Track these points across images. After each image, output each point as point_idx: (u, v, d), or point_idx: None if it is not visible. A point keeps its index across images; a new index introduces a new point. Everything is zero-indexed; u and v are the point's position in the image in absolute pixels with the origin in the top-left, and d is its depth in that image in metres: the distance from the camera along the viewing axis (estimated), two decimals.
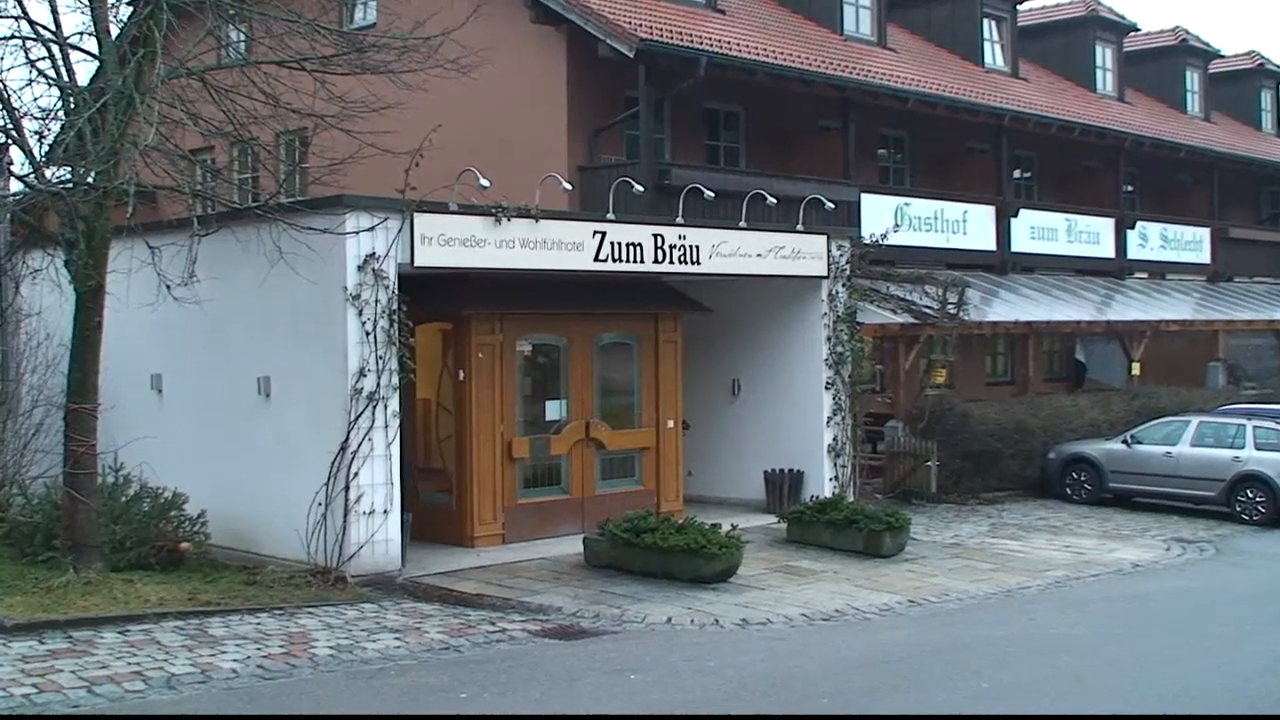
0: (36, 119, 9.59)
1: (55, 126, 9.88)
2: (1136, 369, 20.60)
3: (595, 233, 11.92)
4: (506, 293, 12.05)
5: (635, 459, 13.46)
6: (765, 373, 14.64)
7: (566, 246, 11.67)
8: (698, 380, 14.72)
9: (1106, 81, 24.63)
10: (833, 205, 14.85)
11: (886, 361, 17.84)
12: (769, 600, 10.04)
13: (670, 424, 13.62)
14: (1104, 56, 24.65)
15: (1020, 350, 20.66)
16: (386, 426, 10.48)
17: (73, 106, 9.56)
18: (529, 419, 12.63)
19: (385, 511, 10.48)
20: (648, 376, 13.51)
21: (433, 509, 12.15)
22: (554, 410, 12.81)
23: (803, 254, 13.89)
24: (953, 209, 19.22)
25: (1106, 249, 22.22)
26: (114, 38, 9.82)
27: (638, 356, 13.53)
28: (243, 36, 11.61)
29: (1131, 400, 18.72)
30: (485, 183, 10.83)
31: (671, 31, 15.18)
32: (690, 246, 12.72)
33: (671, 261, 12.55)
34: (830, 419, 14.20)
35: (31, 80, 9.55)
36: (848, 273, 14.47)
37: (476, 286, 11.85)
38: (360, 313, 10.34)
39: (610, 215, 12.29)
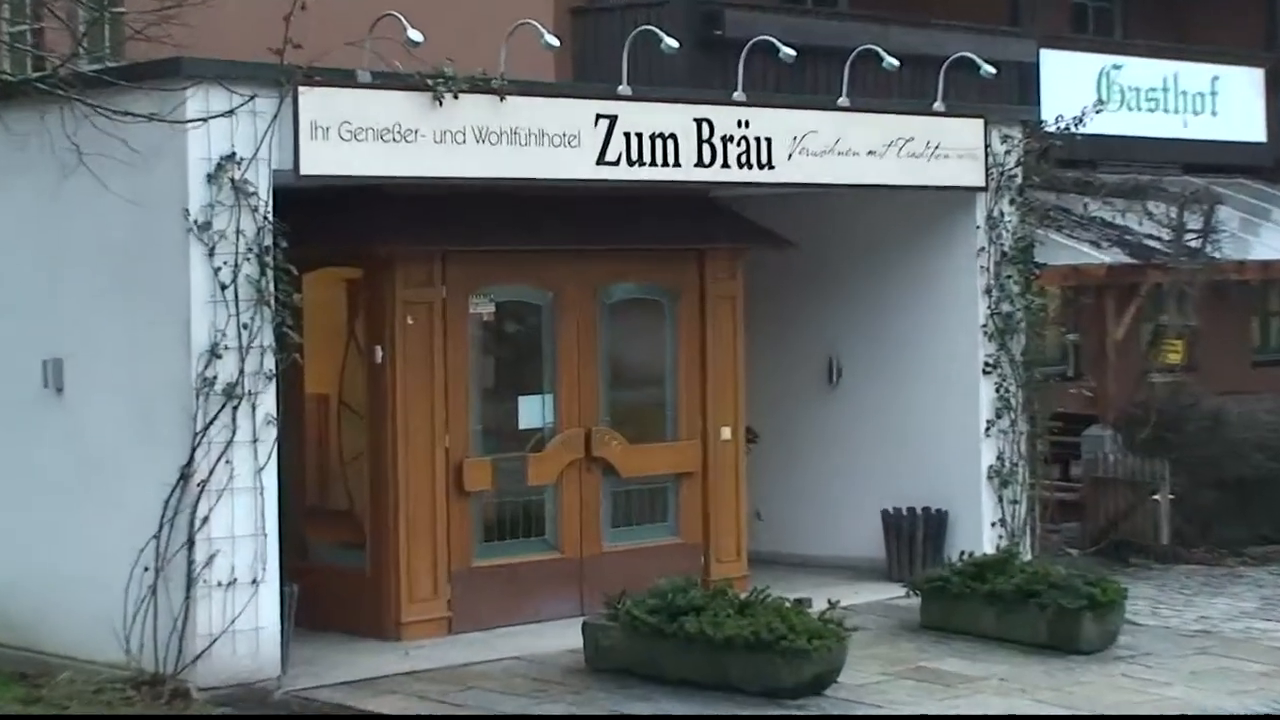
0: None
1: None
2: None
3: (599, 117, 11.87)
4: (453, 217, 11.99)
5: (668, 492, 13.43)
6: (882, 348, 14.57)
7: (552, 140, 11.63)
8: (771, 360, 14.65)
9: None
10: (994, 70, 14.64)
11: (1084, 329, 17.66)
12: None
13: (726, 434, 13.56)
14: None
15: None
16: (256, 441, 10.46)
17: None
18: (492, 426, 12.62)
19: (254, 581, 10.44)
20: (689, 355, 13.45)
21: (334, 576, 12.15)
22: (532, 412, 12.79)
23: (944, 150, 13.77)
24: (1193, 74, 19.02)
25: None
26: None
27: (672, 322, 13.48)
28: None
29: None
30: (417, 36, 10.78)
31: None
32: (757, 140, 12.65)
33: (726, 165, 12.50)
34: (992, 424, 14.11)
35: None
36: (1019, 181, 14.36)
37: (403, 208, 11.79)
38: (211, 252, 10.31)
39: (624, 88, 12.22)
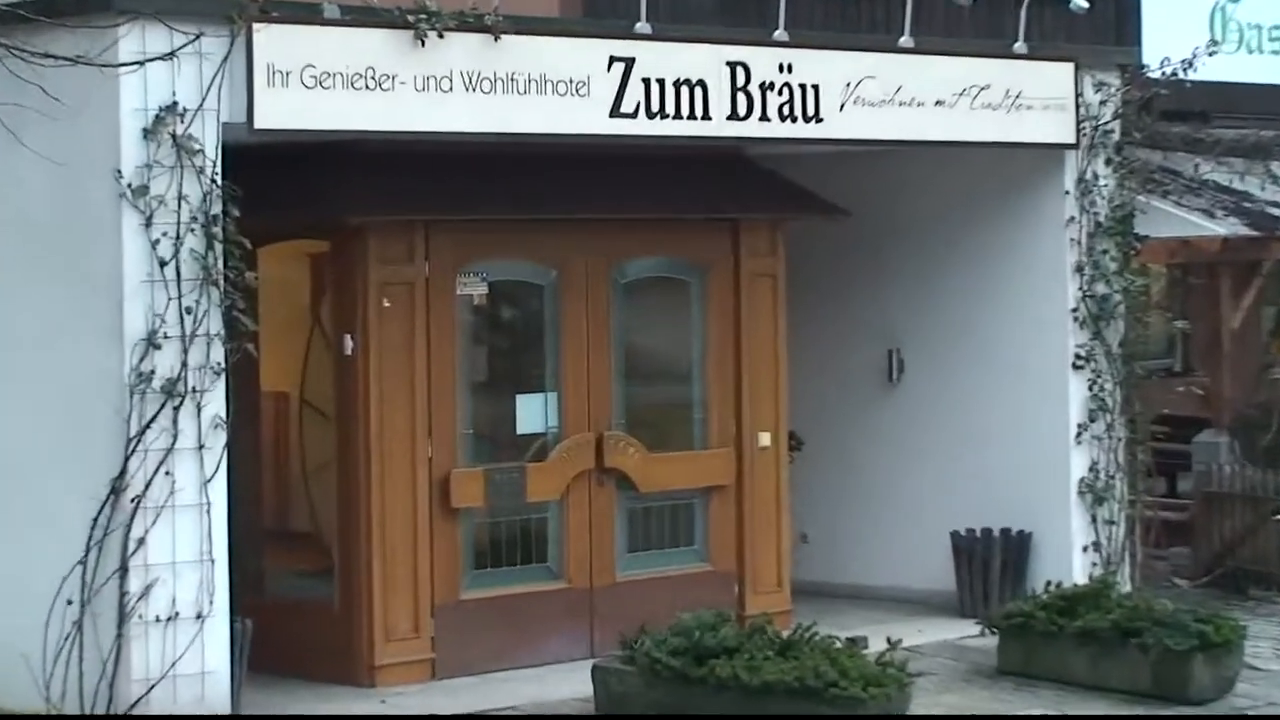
0: None
1: None
2: None
3: (614, 60, 11.88)
4: (438, 181, 12.02)
5: (695, 510, 13.46)
6: (952, 338, 14.62)
7: (557, 88, 11.64)
8: (819, 352, 14.70)
9: None
10: (1086, 4, 14.58)
11: (1195, 314, 17.61)
12: None
13: (765, 440, 13.59)
14: None
15: None
16: (202, 447, 10.45)
17: None
18: (485, 431, 12.67)
19: (200, 616, 10.43)
20: (720, 345, 13.48)
21: (295, 611, 12.20)
22: (533, 414, 12.82)
23: (1026, 100, 13.77)
24: None
25: None
26: None
27: (700, 306, 13.52)
28: None
29: None
30: None
31: None
32: (801, 87, 12.66)
33: (765, 117, 12.51)
34: (1084, 429, 14.11)
35: None
36: (1117, 137, 14.35)
37: (378, 169, 11.82)
38: (148, 222, 10.30)
39: (643, 25, 12.23)
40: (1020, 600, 13.00)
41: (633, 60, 11.90)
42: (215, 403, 10.48)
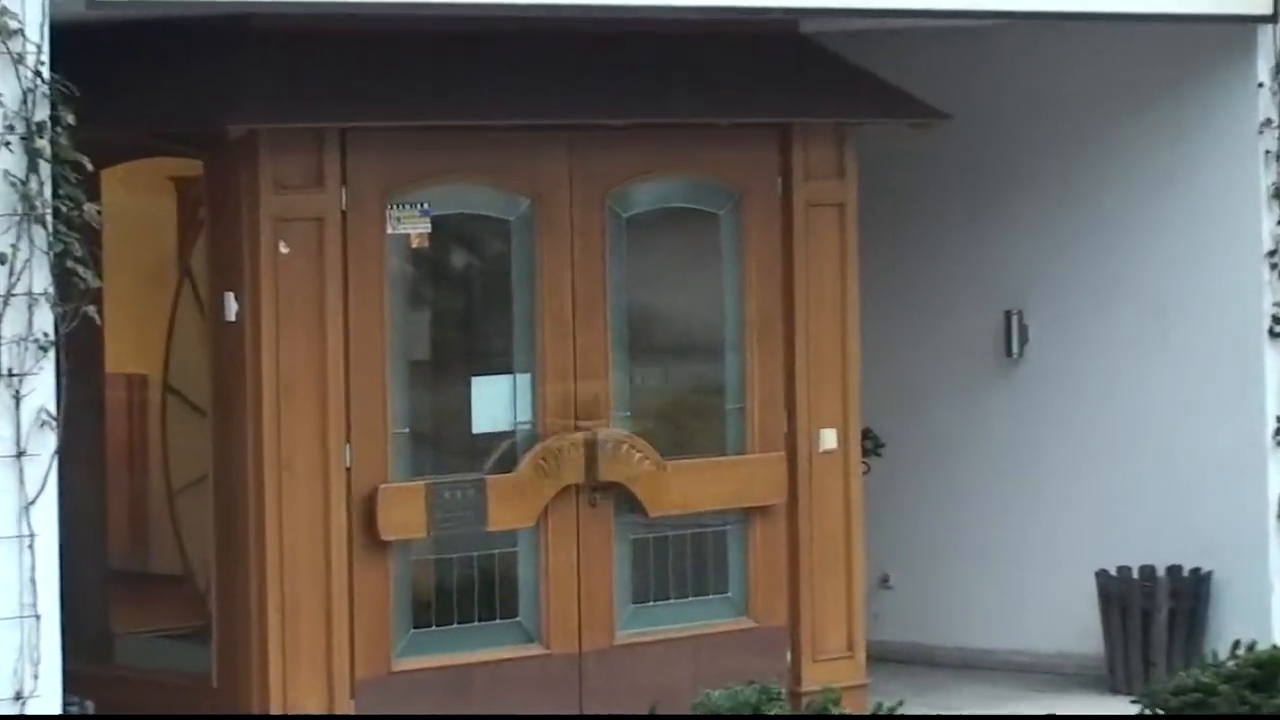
0: None
1: None
2: None
3: None
4: (358, 72, 12.10)
5: (728, 542, 13.53)
6: (1093, 297, 14.78)
7: None
8: (906, 315, 14.95)
9: None
10: None
11: None
12: None
13: (830, 440, 13.64)
14: None
15: None
16: (21, 454, 10.38)
17: None
18: (426, 429, 12.77)
19: (19, 696, 10.34)
20: (764, 304, 13.55)
21: (156, 687, 12.21)
22: (496, 404, 12.86)
23: None
24: None
25: None
26: None
27: (734, 249, 13.59)
28: None
29: None
30: None
31: None
32: None
33: None
34: None
35: None
36: None
37: (273, 57, 11.89)
38: None
39: None
40: (1197, 668, 12.85)
41: None
42: (41, 391, 10.40)
